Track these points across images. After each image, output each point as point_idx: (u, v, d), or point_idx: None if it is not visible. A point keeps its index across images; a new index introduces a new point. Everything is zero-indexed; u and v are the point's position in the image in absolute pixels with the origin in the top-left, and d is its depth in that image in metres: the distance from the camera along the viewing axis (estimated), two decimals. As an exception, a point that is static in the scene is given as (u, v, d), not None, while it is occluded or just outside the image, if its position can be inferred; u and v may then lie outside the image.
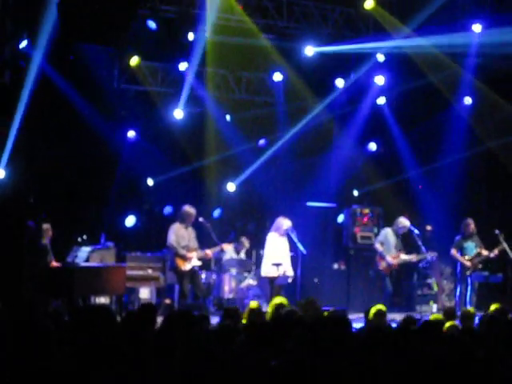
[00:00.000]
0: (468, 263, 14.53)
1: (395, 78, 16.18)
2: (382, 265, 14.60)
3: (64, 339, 5.02)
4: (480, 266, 14.61)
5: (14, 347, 4.44)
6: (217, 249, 13.92)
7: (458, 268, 14.75)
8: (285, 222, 13.70)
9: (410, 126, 16.56)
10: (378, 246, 14.75)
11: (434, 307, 15.35)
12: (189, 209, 13.59)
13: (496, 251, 14.45)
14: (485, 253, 14.53)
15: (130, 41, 14.08)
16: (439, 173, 16.50)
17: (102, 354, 4.83)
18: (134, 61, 14.73)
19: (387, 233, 14.78)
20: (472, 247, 14.65)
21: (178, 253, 13.37)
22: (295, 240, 13.73)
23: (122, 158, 15.55)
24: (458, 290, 14.81)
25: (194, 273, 13.51)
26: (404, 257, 14.72)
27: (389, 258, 14.50)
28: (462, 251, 14.65)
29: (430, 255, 14.93)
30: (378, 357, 5.15)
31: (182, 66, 15.23)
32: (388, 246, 14.62)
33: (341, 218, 16.82)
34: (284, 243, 13.82)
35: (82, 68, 14.03)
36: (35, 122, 13.40)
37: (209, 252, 13.79)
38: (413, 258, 14.83)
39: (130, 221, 16.04)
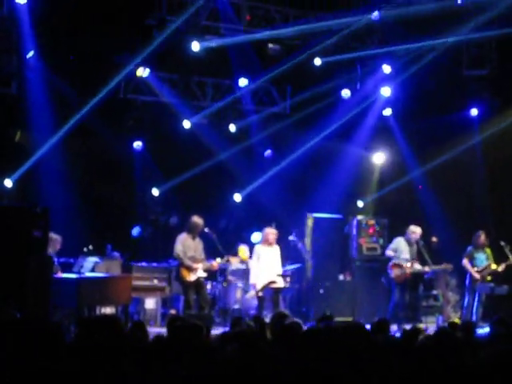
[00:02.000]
0: (477, 275, 14.51)
1: (400, 87, 16.16)
2: (395, 272, 14.42)
3: (71, 350, 5.00)
4: (489, 277, 14.58)
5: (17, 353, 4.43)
6: (223, 261, 13.91)
7: (468, 279, 14.71)
8: (271, 233, 13.68)
9: (415, 136, 16.51)
10: (389, 252, 14.60)
11: (440, 319, 15.28)
12: (197, 219, 13.57)
13: (503, 266, 14.47)
14: (493, 267, 14.53)
15: (137, 51, 14.09)
16: (445, 183, 16.42)
17: (109, 363, 4.81)
18: (141, 71, 14.74)
19: (399, 241, 14.65)
20: (482, 259, 14.64)
21: (184, 263, 13.35)
22: (302, 251, 13.69)
23: (128, 167, 15.57)
24: (466, 300, 14.77)
25: (199, 283, 13.48)
26: (418, 267, 14.56)
27: (404, 266, 14.34)
28: (472, 262, 14.63)
29: (446, 267, 14.77)
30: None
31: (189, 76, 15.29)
32: (399, 255, 14.50)
33: (346, 229, 16.76)
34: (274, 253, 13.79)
35: (88, 77, 14.06)
36: (44, 131, 13.46)
37: (215, 263, 13.78)
38: (426, 268, 14.65)
39: (136, 231, 16.03)
